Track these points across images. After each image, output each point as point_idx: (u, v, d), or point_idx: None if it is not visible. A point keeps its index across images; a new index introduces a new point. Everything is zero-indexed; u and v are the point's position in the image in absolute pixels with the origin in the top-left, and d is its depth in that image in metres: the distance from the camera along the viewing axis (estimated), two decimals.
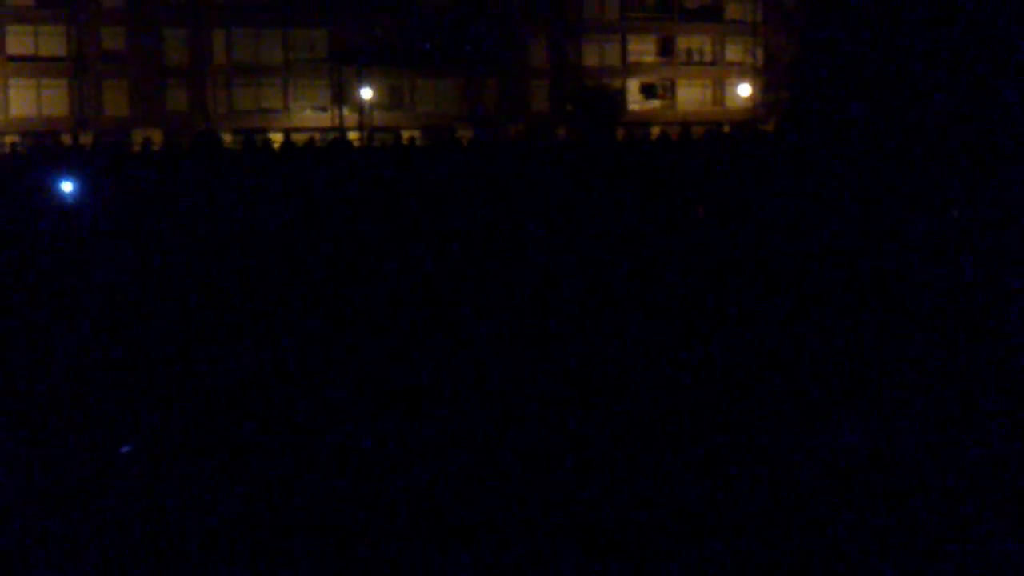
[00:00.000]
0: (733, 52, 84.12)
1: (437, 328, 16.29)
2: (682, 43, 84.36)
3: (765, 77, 78.71)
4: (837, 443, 10.98)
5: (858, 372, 13.59)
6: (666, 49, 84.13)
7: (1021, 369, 13.92)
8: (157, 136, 65.59)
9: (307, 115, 73.41)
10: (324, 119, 73.31)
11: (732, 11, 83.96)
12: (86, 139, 67.24)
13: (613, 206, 28.36)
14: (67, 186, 32.25)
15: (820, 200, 26.54)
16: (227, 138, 61.13)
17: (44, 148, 58.22)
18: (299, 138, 59.89)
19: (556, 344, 15.24)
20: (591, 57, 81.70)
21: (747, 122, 78.56)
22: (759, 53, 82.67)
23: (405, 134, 70.57)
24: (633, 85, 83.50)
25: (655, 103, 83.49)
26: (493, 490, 10.32)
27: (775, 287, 18.84)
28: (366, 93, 71.20)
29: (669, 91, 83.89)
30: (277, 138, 59.50)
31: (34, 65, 70.13)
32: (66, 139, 66.77)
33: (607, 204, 28.65)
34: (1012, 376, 13.54)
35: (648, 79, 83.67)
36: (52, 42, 71.98)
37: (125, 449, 11.46)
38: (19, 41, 70.19)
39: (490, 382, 13.63)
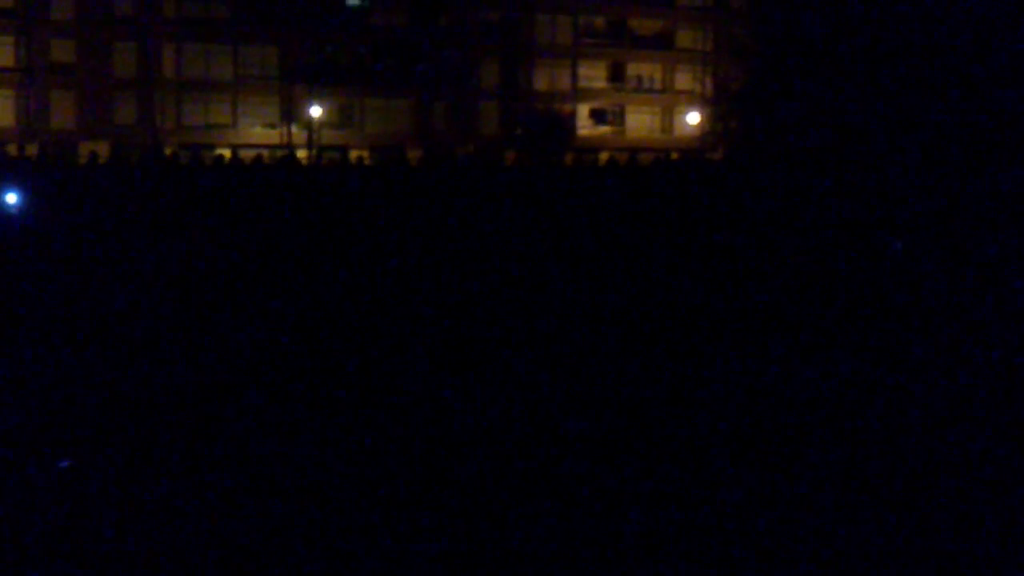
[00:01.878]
0: (683, 80, 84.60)
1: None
2: (632, 70, 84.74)
3: (714, 106, 79.08)
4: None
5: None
6: (616, 75, 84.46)
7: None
8: (104, 149, 65.30)
9: (256, 132, 73.24)
10: (273, 136, 73.16)
11: (683, 39, 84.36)
12: (32, 150, 66.80)
13: (563, 229, 28.38)
14: (11, 197, 32.02)
15: (768, 227, 26.62)
16: (171, 152, 60.88)
17: None
18: (247, 155, 59.69)
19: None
20: (542, 81, 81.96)
21: (695, 150, 79.12)
22: (708, 82, 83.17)
23: (353, 153, 70.56)
24: (583, 110, 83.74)
25: (604, 129, 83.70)
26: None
27: (724, 314, 18.86)
28: (315, 111, 71.00)
29: (618, 117, 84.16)
30: (225, 154, 59.28)
31: None
32: (12, 149, 66.46)
33: (557, 227, 28.67)
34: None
35: (598, 105, 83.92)
36: (0, 52, 71.65)
37: (63, 464, 11.35)
38: None
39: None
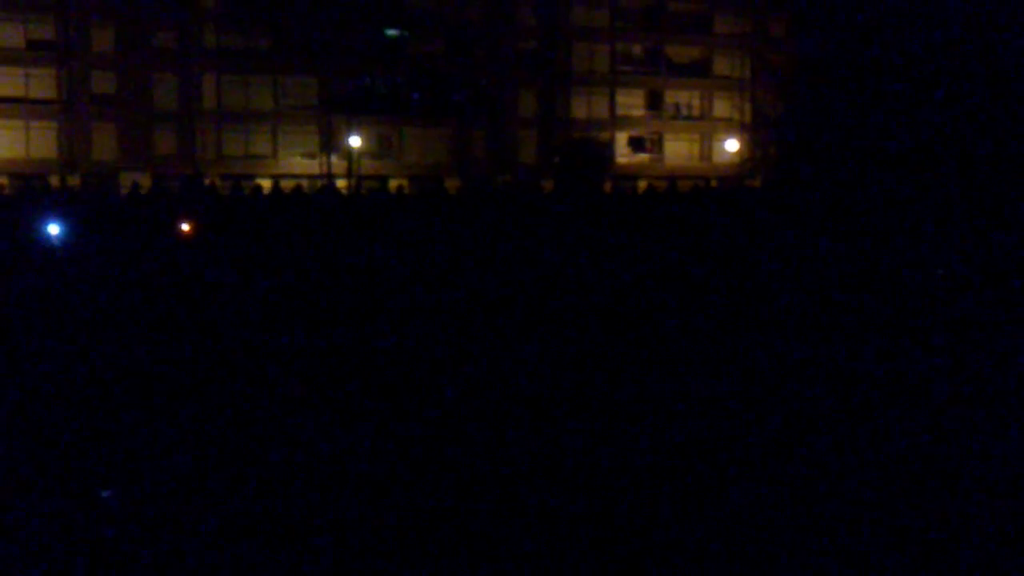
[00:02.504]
0: (721, 107, 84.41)
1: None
2: (670, 97, 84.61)
3: (752, 132, 78.94)
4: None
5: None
6: (654, 103, 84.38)
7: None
8: (145, 180, 65.64)
9: (295, 162, 73.42)
10: (312, 166, 73.35)
11: (720, 66, 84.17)
12: (74, 181, 67.20)
13: (608, 257, 28.40)
14: (54, 228, 32.25)
15: (808, 254, 26.56)
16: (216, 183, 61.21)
17: (31, 190, 58.16)
18: (287, 184, 60.04)
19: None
20: (579, 109, 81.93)
21: (734, 177, 78.77)
22: (746, 109, 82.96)
23: (393, 183, 70.82)
24: (621, 138, 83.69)
25: (643, 156, 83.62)
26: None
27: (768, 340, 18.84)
28: (355, 141, 71.23)
29: (656, 145, 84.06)
30: (266, 184, 59.59)
31: (23, 107, 70.17)
32: (54, 181, 66.79)
33: (597, 257, 28.70)
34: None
35: (636, 132, 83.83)
36: (42, 84, 72.08)
37: (106, 495, 11.46)
38: (9, 83, 70.11)
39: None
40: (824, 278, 24.49)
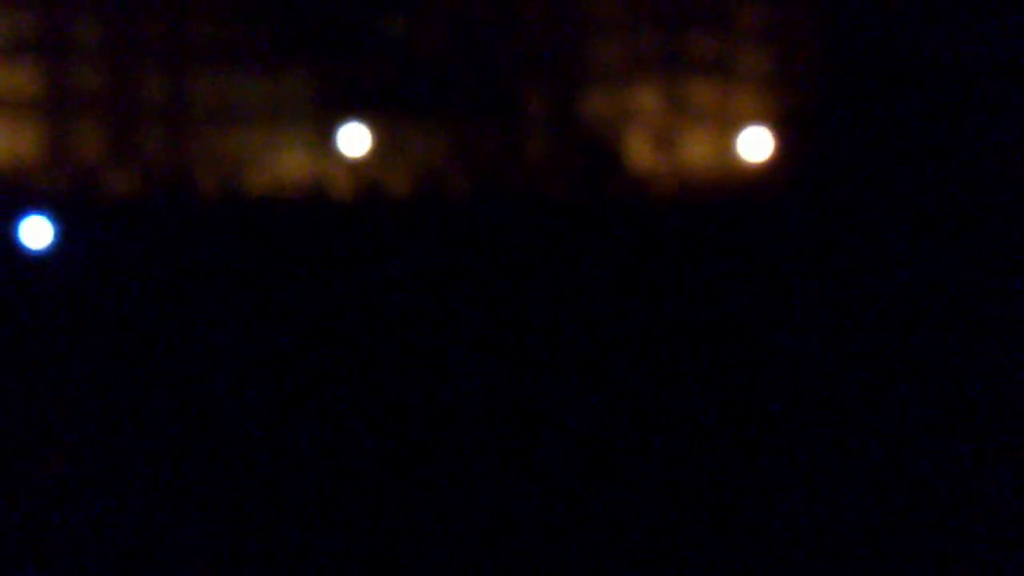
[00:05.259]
0: (744, 105, 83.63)
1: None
2: (690, 94, 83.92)
3: (778, 131, 78.37)
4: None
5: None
6: (672, 100, 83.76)
7: None
8: (133, 180, 65.30)
9: (292, 162, 72.89)
10: (311, 165, 72.86)
11: (743, 62, 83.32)
12: (57, 182, 66.93)
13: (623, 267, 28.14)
14: (37, 231, 31.99)
15: (842, 259, 26.25)
16: (207, 184, 60.78)
17: (10, 187, 58.03)
18: (281, 186, 59.77)
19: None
20: (593, 107, 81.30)
21: (758, 177, 78.40)
22: (771, 106, 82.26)
23: (394, 184, 70.57)
24: (637, 136, 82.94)
25: (660, 155, 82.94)
26: None
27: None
28: (355, 138, 70.78)
29: (675, 144, 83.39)
30: (261, 184, 59.38)
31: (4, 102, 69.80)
32: (37, 181, 66.52)
33: (616, 265, 28.43)
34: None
35: (653, 131, 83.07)
36: (24, 80, 71.47)
37: None
38: None
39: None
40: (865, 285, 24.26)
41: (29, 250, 29.03)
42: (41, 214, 30.62)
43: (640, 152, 66.91)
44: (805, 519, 10.38)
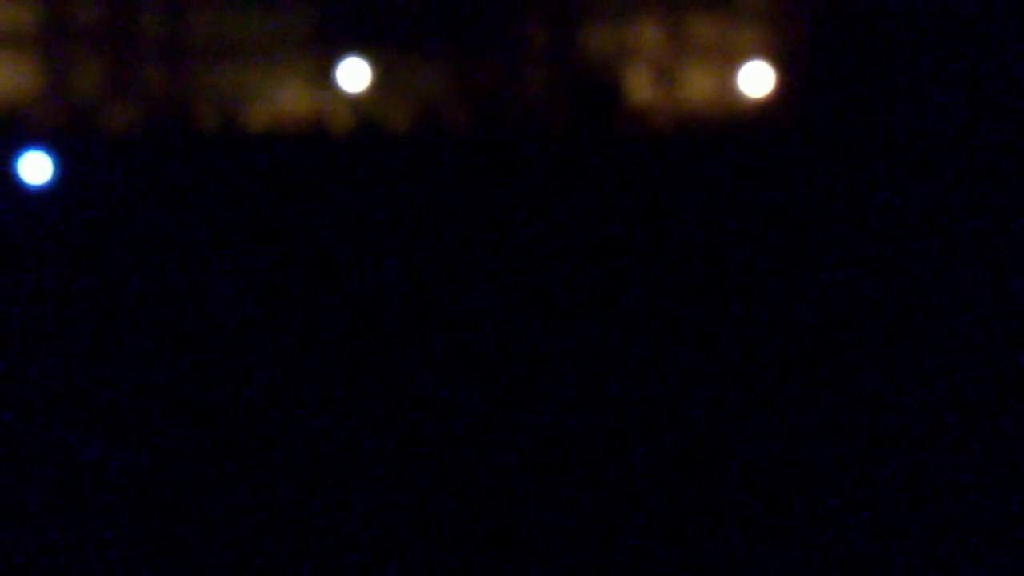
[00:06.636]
0: (745, 41, 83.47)
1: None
2: (690, 30, 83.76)
3: (779, 69, 78.20)
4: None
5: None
6: (673, 36, 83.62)
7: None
8: (131, 115, 65.22)
9: (292, 96, 72.91)
10: (310, 100, 72.88)
11: None
12: (55, 117, 66.82)
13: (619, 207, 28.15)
14: (36, 168, 31.96)
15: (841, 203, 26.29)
16: (207, 119, 60.70)
17: (9, 123, 57.91)
18: (281, 121, 59.67)
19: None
20: (593, 42, 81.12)
21: (759, 116, 78.25)
22: (773, 43, 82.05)
23: (395, 118, 70.52)
24: (638, 72, 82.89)
25: (660, 92, 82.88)
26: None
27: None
28: (354, 75, 70.77)
29: (675, 80, 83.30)
30: (260, 119, 59.29)
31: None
32: (34, 116, 66.42)
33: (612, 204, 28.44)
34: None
35: (653, 67, 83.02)
36: (20, 14, 71.36)
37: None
38: None
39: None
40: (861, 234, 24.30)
41: (28, 185, 29.05)
42: (40, 149, 30.62)
43: (640, 87, 66.89)
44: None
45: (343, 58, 57.72)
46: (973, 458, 11.03)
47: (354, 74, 60.27)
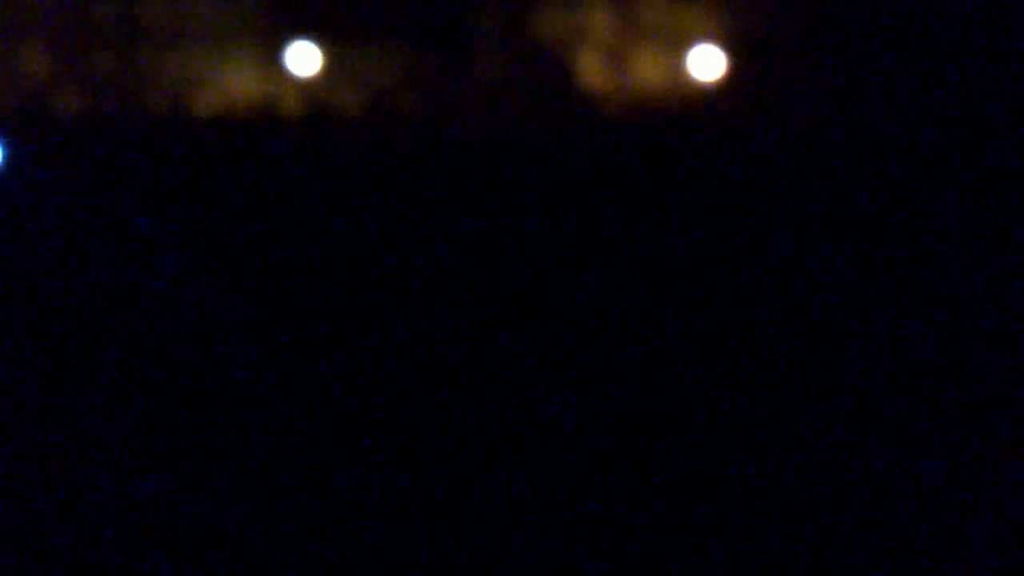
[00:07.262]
0: (698, 25, 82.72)
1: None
2: (642, 14, 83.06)
3: (733, 54, 77.70)
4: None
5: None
6: (625, 20, 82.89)
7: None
8: (79, 103, 64.13)
9: (241, 83, 71.87)
10: (259, 87, 71.82)
11: None
12: (5, 99, 65.77)
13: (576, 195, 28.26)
14: None
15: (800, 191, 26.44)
16: (154, 105, 59.89)
17: None
18: (230, 108, 58.82)
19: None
20: (546, 26, 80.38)
21: (711, 101, 77.74)
22: (726, 27, 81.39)
23: (345, 104, 69.70)
24: (589, 57, 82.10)
25: (611, 76, 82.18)
26: None
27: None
28: (305, 60, 69.83)
29: (626, 64, 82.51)
30: (209, 104, 58.70)
31: None
32: None
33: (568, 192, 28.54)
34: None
35: (604, 51, 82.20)
36: None
37: None
38: None
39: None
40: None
41: None
42: None
43: (591, 71, 66.82)
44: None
45: (292, 42, 57.48)
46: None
47: (304, 58, 60.01)
